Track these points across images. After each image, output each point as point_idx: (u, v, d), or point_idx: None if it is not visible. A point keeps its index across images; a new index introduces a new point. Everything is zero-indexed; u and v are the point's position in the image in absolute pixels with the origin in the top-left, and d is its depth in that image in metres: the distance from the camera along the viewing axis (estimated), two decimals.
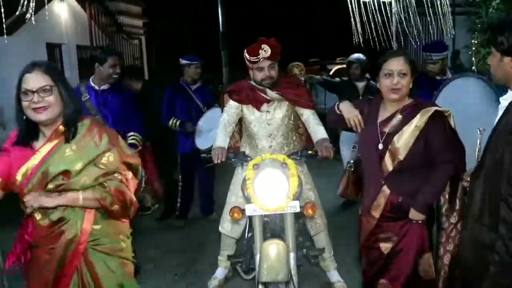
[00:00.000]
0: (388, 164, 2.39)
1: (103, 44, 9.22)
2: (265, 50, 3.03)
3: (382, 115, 2.47)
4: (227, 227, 3.45)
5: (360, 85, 5.11)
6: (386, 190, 2.40)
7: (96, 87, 3.73)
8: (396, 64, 2.34)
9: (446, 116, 2.36)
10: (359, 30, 4.84)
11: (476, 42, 7.60)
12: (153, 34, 13.09)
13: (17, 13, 3.65)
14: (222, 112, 3.43)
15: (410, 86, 2.39)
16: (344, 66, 8.12)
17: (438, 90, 3.21)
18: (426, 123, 2.33)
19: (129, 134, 3.65)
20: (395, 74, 2.33)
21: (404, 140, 2.35)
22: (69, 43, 8.23)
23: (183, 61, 4.88)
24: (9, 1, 3.61)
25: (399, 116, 2.39)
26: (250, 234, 3.14)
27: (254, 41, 3.14)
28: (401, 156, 2.35)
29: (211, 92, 5.30)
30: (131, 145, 3.51)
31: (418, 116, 2.34)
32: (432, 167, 2.36)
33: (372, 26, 5.05)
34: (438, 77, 4.02)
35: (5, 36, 7.03)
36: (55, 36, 7.89)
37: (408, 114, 2.37)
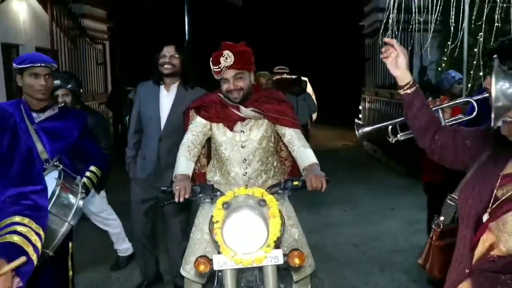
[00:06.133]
0: (481, 250, 1.42)
1: (65, 47, 8.77)
2: (227, 58, 2.48)
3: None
4: (191, 270, 2.71)
5: None
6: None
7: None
8: None
9: None
10: None
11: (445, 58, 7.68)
12: (118, 39, 12.63)
13: None
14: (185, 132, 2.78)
15: None
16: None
17: None
18: None
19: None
20: None
21: None
22: (28, 44, 7.70)
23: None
24: None
25: None
26: (221, 274, 2.44)
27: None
28: (504, 246, 1.35)
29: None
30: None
31: None
32: None
33: None
34: None
35: None
36: (11, 36, 7.38)
37: None
